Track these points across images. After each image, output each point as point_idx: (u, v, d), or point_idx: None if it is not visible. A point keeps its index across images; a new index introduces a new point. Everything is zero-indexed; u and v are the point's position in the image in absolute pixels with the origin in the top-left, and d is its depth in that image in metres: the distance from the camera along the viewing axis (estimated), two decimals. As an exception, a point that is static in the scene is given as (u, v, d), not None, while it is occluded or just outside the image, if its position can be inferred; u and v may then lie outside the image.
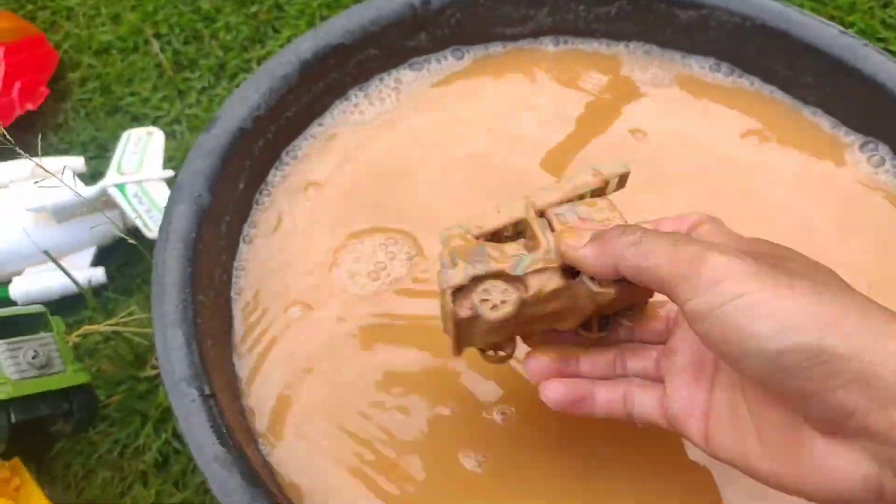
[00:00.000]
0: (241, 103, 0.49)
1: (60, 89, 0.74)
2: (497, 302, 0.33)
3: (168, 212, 0.43)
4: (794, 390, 0.27)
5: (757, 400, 0.30)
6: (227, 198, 0.47)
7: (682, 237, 0.31)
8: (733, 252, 0.29)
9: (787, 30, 0.54)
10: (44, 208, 0.58)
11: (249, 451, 0.37)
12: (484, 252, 0.34)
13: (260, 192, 0.51)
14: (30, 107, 0.68)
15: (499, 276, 0.33)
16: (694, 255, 0.29)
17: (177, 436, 0.56)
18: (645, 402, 0.34)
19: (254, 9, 0.77)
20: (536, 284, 0.33)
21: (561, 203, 0.36)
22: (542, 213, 0.36)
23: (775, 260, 0.29)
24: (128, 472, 0.56)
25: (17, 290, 0.59)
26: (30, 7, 0.79)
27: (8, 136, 0.47)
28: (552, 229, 0.35)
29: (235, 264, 0.47)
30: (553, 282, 0.33)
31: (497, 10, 0.58)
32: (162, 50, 0.75)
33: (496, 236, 0.36)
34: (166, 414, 0.57)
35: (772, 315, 0.26)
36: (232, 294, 0.46)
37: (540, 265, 0.33)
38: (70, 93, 0.74)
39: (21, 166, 0.64)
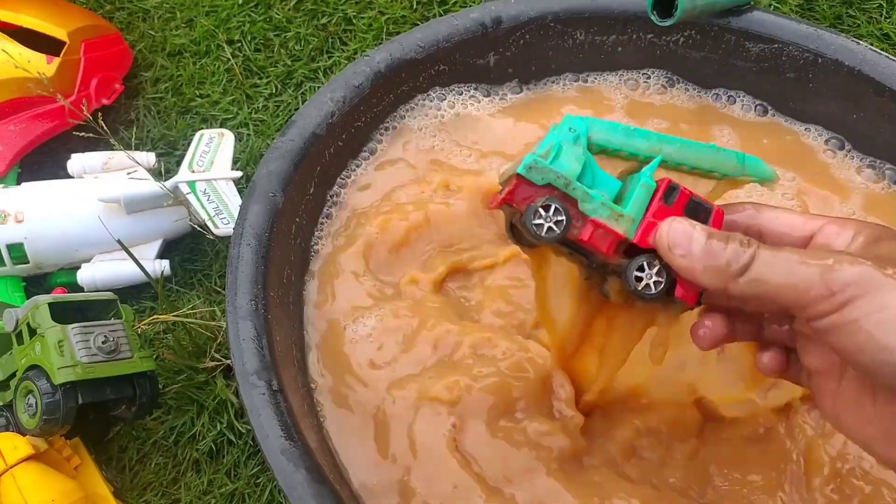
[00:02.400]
0: (315, 110, 0.51)
1: (133, 87, 0.77)
2: (547, 224, 0.32)
3: (244, 209, 0.45)
4: None
5: (884, 397, 0.31)
6: (299, 199, 0.49)
7: (809, 253, 0.30)
8: (870, 262, 0.28)
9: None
10: (116, 199, 0.60)
11: (315, 446, 0.38)
12: (581, 162, 0.33)
13: (330, 196, 0.52)
14: (105, 102, 0.71)
15: (567, 199, 0.33)
16: (824, 271, 0.28)
17: (231, 427, 0.58)
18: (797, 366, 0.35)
19: (324, 21, 0.79)
20: (587, 235, 0.33)
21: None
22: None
23: None
24: (181, 459, 0.57)
25: (84, 275, 0.62)
26: (108, 7, 0.82)
27: (104, 128, 0.49)
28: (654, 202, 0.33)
29: (307, 265, 0.48)
30: (605, 242, 0.33)
31: (566, 33, 0.60)
32: (233, 56, 0.78)
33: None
34: (222, 405, 0.58)
35: None
36: (303, 293, 0.47)
37: (609, 221, 0.33)
38: (143, 91, 0.77)
39: (94, 158, 0.66)
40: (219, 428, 0.58)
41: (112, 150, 0.66)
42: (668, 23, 0.50)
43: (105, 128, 0.51)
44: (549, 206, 0.32)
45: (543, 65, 0.61)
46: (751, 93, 0.59)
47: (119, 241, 0.55)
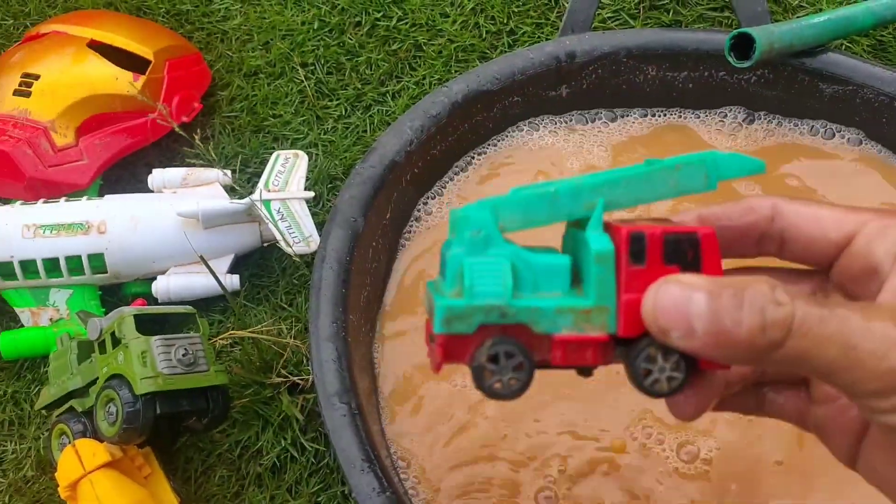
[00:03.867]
0: (395, 137, 0.52)
1: (210, 105, 0.79)
2: (505, 378, 0.25)
3: (326, 233, 0.46)
4: None
5: None
6: (377, 225, 0.50)
7: (877, 309, 0.22)
8: None
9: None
10: (195, 214, 0.62)
11: (388, 470, 0.39)
12: (506, 271, 0.25)
13: (406, 223, 0.54)
14: (185, 119, 0.73)
15: (513, 330, 0.25)
16: (877, 347, 0.21)
17: (294, 444, 0.59)
18: (779, 400, 0.29)
19: (395, 47, 0.81)
20: (559, 357, 0.25)
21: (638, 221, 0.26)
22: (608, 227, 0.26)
23: None
24: (244, 473, 0.59)
25: (159, 287, 0.64)
26: (188, 27, 0.85)
27: (194, 139, 0.51)
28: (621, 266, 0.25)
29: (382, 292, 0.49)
30: (586, 354, 0.25)
31: (638, 69, 0.60)
32: (306, 78, 0.80)
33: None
34: (286, 422, 0.59)
35: None
36: (376, 319, 0.48)
37: (577, 329, 0.25)
38: (219, 109, 0.79)
39: (174, 173, 0.68)
40: (283, 444, 0.59)
41: (190, 166, 0.69)
42: (745, 65, 0.51)
43: (195, 139, 0.53)
44: (496, 354, 0.25)
45: (614, 98, 0.62)
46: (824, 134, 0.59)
47: (201, 257, 0.57)
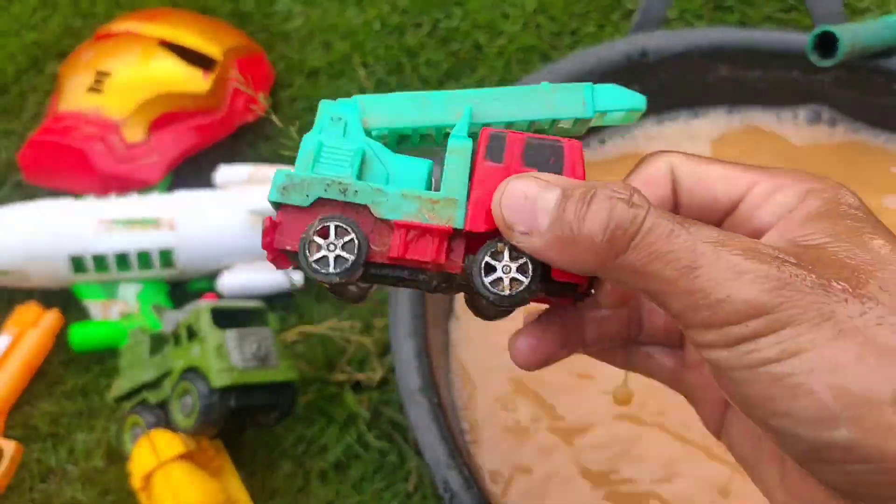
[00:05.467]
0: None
1: (273, 105, 0.80)
2: (332, 254, 0.23)
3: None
4: (840, 483, 0.20)
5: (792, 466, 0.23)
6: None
7: (730, 237, 0.20)
8: (780, 265, 0.19)
9: None
10: (265, 211, 0.62)
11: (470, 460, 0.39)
12: (356, 155, 0.24)
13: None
14: (249, 118, 0.74)
15: (352, 209, 0.23)
16: (718, 274, 0.19)
17: (360, 441, 0.59)
18: (654, 359, 0.28)
19: (455, 47, 0.81)
20: (399, 248, 0.23)
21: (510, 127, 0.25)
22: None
23: (857, 267, 0.20)
24: (309, 469, 0.59)
25: (224, 282, 0.64)
26: (251, 28, 0.86)
27: (274, 119, 0.51)
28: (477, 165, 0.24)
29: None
30: (428, 247, 0.23)
31: (710, 67, 0.60)
32: (367, 78, 0.80)
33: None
34: (351, 419, 0.60)
35: (821, 394, 0.19)
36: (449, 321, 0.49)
37: (422, 215, 0.23)
38: (281, 108, 0.80)
39: (238, 171, 0.69)
40: (346, 441, 0.59)
41: (255, 163, 0.69)
42: (828, 63, 0.50)
43: (291, 129, 0.54)
44: (327, 227, 0.23)
45: (685, 97, 0.61)
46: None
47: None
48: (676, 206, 0.25)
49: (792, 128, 0.61)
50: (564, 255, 0.21)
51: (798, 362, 0.19)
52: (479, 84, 0.78)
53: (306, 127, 0.79)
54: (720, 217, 0.24)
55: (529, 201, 0.21)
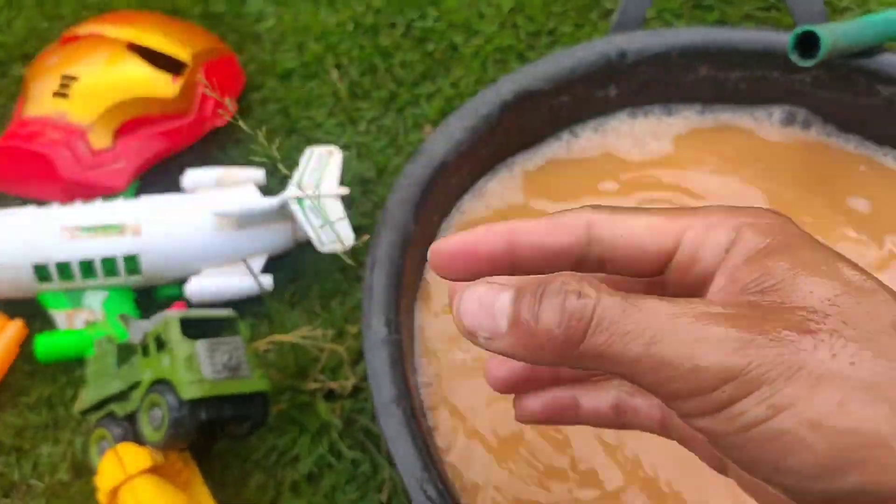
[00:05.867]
0: (445, 138, 0.51)
1: (243, 108, 0.78)
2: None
3: (377, 236, 0.45)
4: None
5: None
6: (426, 228, 0.49)
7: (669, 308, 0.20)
8: (737, 323, 0.19)
9: None
10: (231, 213, 0.61)
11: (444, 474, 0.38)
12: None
13: (448, 227, 0.52)
14: (219, 123, 0.73)
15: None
16: (679, 346, 0.19)
17: (332, 451, 0.57)
18: (642, 411, 0.27)
19: (430, 47, 0.80)
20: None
21: None
22: None
23: (813, 306, 0.19)
24: (281, 480, 0.57)
25: (192, 288, 0.62)
26: (221, 30, 0.84)
27: (261, 139, 0.50)
28: None
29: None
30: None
31: (689, 68, 0.59)
32: (340, 79, 0.79)
33: None
34: (323, 428, 0.58)
35: (820, 446, 0.18)
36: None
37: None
38: (252, 111, 0.78)
39: (206, 174, 0.67)
40: (319, 451, 0.57)
41: (223, 166, 0.68)
42: (809, 63, 0.49)
43: (258, 135, 0.52)
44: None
45: (663, 97, 0.60)
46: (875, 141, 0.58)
47: (244, 260, 0.56)
48: (600, 263, 0.24)
49: (766, 128, 0.60)
50: (529, 352, 0.21)
51: (787, 417, 0.18)
52: (454, 85, 0.77)
53: (276, 130, 0.77)
54: (652, 268, 0.24)
55: (485, 306, 0.22)
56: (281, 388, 0.59)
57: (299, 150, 0.74)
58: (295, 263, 0.67)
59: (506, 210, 0.55)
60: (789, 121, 0.60)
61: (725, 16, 0.73)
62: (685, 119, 0.61)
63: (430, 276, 0.50)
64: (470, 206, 0.55)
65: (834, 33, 0.49)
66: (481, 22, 0.80)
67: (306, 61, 0.81)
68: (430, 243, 0.50)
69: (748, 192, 0.56)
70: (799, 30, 0.49)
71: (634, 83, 0.59)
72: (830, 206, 0.56)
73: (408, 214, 0.46)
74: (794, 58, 0.49)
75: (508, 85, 0.54)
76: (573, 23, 0.77)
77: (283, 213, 0.63)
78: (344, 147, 0.75)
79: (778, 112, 0.60)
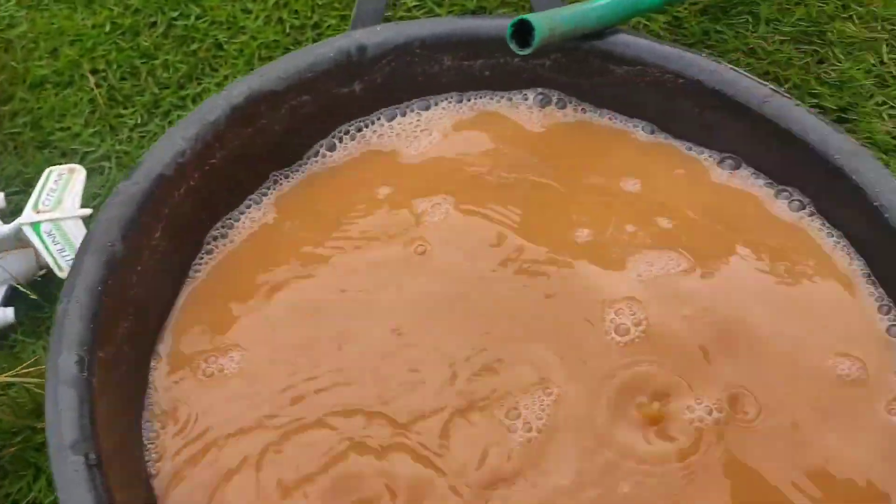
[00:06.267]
0: (164, 149, 0.48)
1: (-9, 122, 0.72)
2: None
3: (77, 261, 0.42)
4: None
5: None
6: (143, 247, 0.45)
7: None
8: None
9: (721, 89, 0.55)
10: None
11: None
12: None
13: (197, 242, 0.50)
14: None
15: None
16: None
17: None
18: None
19: (194, 47, 0.76)
20: None
21: None
22: None
23: None
24: (23, 529, 0.53)
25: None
26: (-36, 37, 0.77)
27: None
28: None
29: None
30: None
31: (433, 59, 0.58)
32: (97, 85, 0.74)
33: None
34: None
35: None
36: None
37: None
38: (1, 126, 0.72)
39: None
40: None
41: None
42: (526, 52, 0.49)
43: None
44: None
45: (415, 89, 0.59)
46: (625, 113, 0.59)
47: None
48: None
49: (525, 112, 0.60)
50: None
51: None
52: (221, 85, 0.73)
53: (26, 145, 0.70)
54: None
55: None
56: (15, 429, 0.55)
57: (54, 164, 0.69)
58: (44, 291, 0.61)
59: (258, 231, 0.52)
60: (545, 102, 0.60)
61: (485, 1, 0.73)
62: (444, 111, 0.60)
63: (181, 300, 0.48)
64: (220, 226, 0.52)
65: (553, 21, 0.49)
66: (246, 18, 0.77)
67: (60, 68, 0.75)
68: (158, 263, 0.47)
69: (522, 182, 0.56)
70: (515, 19, 0.49)
71: (379, 77, 0.57)
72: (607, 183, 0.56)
73: (114, 235, 0.43)
74: (514, 47, 0.49)
75: (239, 88, 0.52)
76: (338, 15, 0.75)
77: (20, 238, 0.58)
78: (103, 158, 0.70)
79: (532, 95, 0.60)
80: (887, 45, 0.68)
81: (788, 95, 0.53)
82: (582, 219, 0.53)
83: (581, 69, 0.58)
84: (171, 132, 0.49)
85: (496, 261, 0.50)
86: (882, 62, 0.68)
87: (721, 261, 0.51)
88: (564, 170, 0.57)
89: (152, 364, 0.45)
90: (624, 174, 0.57)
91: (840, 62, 0.68)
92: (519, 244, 0.51)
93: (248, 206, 0.53)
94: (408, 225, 0.52)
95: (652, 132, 0.57)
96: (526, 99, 0.61)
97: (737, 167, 0.55)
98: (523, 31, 0.50)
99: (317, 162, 0.56)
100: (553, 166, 0.57)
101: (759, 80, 0.54)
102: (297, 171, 0.55)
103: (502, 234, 0.51)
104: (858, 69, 0.67)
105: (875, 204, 0.49)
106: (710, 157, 0.56)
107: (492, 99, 0.61)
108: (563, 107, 0.60)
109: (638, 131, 0.59)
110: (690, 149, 0.57)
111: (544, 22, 0.49)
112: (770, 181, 0.54)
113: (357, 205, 0.54)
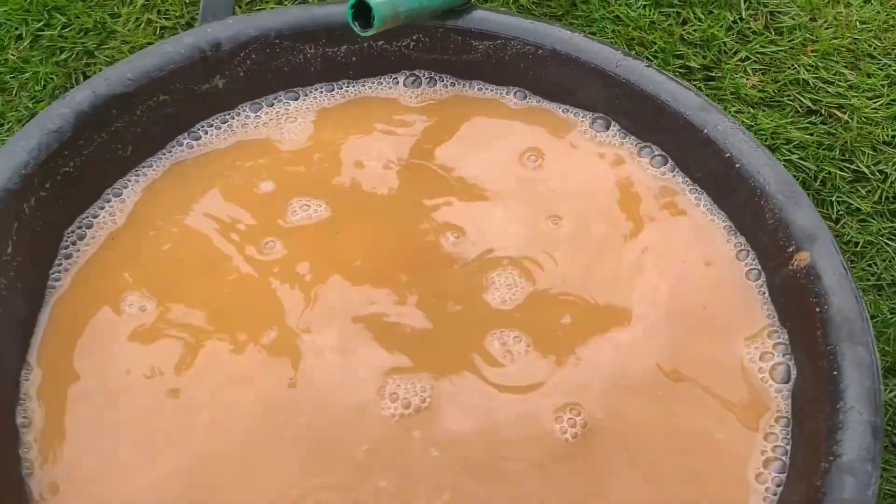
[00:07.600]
0: (4, 161, 0.47)
1: None
2: None
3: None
4: None
5: None
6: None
7: None
8: None
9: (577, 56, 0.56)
10: None
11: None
12: None
13: (54, 255, 0.49)
14: None
15: None
16: None
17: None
18: None
19: (64, 57, 0.74)
20: None
21: None
22: None
23: None
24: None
25: None
26: None
27: None
28: None
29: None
30: None
31: (295, 49, 0.58)
32: (-40, 105, 0.72)
33: None
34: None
35: None
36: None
37: None
38: None
39: None
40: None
41: None
42: (369, 33, 0.49)
43: None
44: None
45: (282, 80, 0.59)
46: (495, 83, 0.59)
47: None
48: None
49: (398, 92, 0.60)
50: None
51: None
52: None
53: None
54: None
55: None
56: None
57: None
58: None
59: (117, 230, 0.51)
60: (416, 83, 0.60)
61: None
62: (315, 100, 0.60)
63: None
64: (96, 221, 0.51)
65: (394, 2, 0.49)
66: (115, 22, 0.75)
67: (-78, 89, 0.73)
68: (12, 280, 0.46)
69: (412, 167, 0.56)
70: (352, 1, 0.49)
71: (241, 70, 0.57)
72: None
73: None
74: (356, 29, 0.49)
75: (84, 93, 0.50)
76: (209, 12, 0.74)
77: None
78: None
79: (402, 77, 0.60)
80: (745, 1, 0.70)
81: (640, 57, 0.54)
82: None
83: (444, 47, 0.58)
84: (10, 143, 0.48)
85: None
86: (741, 18, 0.69)
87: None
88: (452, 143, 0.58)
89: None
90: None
91: (701, 21, 0.70)
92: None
93: (109, 201, 0.53)
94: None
95: (525, 98, 0.59)
96: (397, 83, 0.61)
97: (607, 127, 0.57)
98: (364, 12, 0.50)
99: (182, 151, 0.55)
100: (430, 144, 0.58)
101: (612, 44, 0.55)
102: (161, 162, 0.55)
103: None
104: (720, 27, 0.69)
105: (726, 155, 0.51)
106: (583, 118, 0.58)
107: (364, 85, 0.61)
108: (434, 84, 0.61)
109: (510, 98, 0.60)
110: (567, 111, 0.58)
111: (386, 4, 0.49)
112: (638, 140, 0.56)
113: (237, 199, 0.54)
